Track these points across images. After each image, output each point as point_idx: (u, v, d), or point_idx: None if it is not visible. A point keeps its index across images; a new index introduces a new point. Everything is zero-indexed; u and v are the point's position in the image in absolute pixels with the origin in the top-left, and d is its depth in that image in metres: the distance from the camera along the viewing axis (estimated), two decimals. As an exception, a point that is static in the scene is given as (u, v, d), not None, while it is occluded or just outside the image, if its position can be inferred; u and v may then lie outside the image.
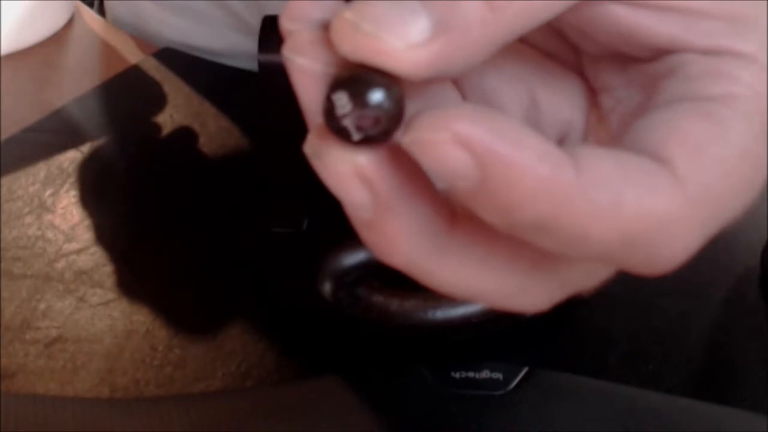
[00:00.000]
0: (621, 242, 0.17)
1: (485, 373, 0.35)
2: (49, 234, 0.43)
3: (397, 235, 0.18)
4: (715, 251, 0.42)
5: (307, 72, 0.18)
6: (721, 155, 0.18)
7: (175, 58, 0.57)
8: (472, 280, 0.19)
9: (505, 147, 0.16)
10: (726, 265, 0.42)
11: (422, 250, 0.18)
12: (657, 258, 0.18)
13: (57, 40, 0.60)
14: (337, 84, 0.17)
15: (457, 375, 0.35)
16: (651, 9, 0.19)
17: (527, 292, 0.19)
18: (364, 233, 0.18)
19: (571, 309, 0.40)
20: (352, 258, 0.38)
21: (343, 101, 0.16)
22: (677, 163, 0.18)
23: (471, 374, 0.35)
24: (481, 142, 0.16)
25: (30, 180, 0.47)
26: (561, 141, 0.22)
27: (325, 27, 0.18)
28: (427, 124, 0.16)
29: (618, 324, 0.39)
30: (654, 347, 0.38)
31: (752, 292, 0.40)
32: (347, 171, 0.17)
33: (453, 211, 0.18)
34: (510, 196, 0.16)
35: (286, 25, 0.18)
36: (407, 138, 0.17)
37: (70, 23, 0.61)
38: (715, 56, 0.19)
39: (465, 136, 0.16)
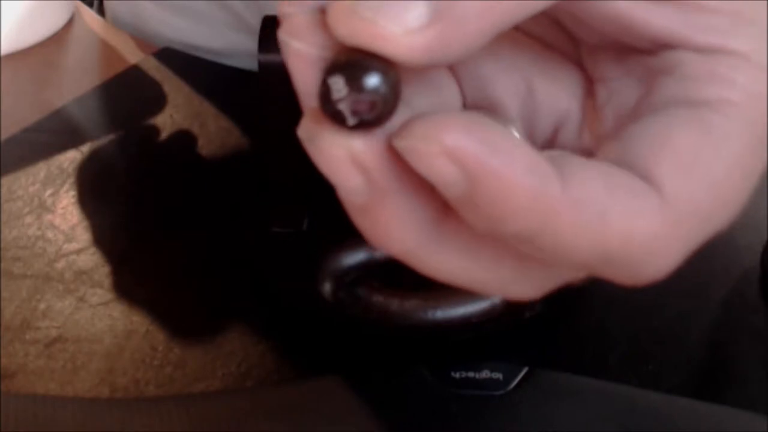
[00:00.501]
0: (603, 257, 0.18)
1: (485, 373, 0.35)
2: (49, 234, 0.43)
3: (391, 221, 0.18)
4: (715, 251, 0.42)
5: (304, 56, 0.18)
6: (710, 170, 0.18)
7: (175, 58, 0.57)
8: (464, 269, 0.19)
9: (494, 160, 0.16)
10: (726, 266, 0.42)
11: (415, 237, 0.18)
12: (639, 272, 0.18)
13: (57, 40, 0.60)
14: (333, 68, 0.17)
15: (457, 375, 0.35)
16: (650, 1, 0.19)
17: (518, 282, 0.20)
18: (357, 219, 0.18)
19: (570, 309, 0.40)
20: (352, 258, 0.38)
21: (339, 85, 0.16)
22: (665, 181, 0.18)
23: (471, 374, 0.35)
24: (470, 155, 0.16)
25: (30, 180, 0.47)
26: (557, 130, 0.22)
27: (323, 11, 0.18)
28: (419, 132, 0.16)
29: (618, 324, 0.39)
30: (654, 347, 0.38)
31: (752, 292, 0.40)
32: (342, 155, 0.17)
33: (446, 202, 0.18)
34: (496, 207, 0.17)
35: (283, 9, 0.18)
36: (400, 143, 0.17)
37: (70, 23, 0.61)
38: (711, 55, 0.19)
39: (455, 149, 0.16)
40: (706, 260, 0.41)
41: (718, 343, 0.38)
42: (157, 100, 0.53)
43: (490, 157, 0.16)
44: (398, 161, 0.17)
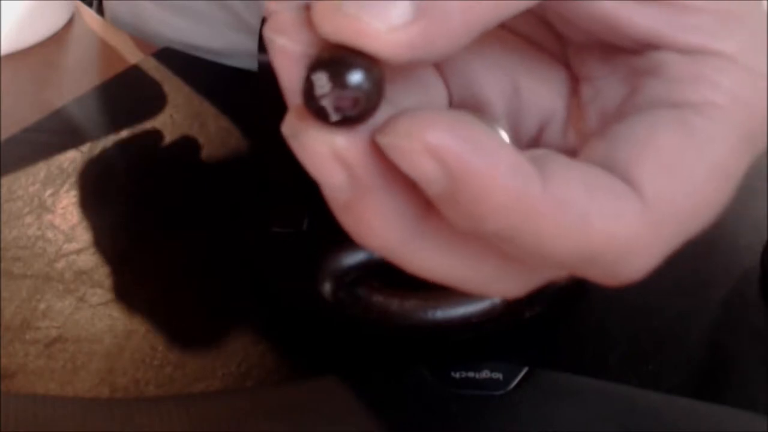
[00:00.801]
0: (583, 257, 0.18)
1: (485, 373, 0.35)
2: (49, 234, 0.43)
3: (374, 218, 0.18)
4: (715, 251, 0.42)
5: (288, 52, 0.18)
6: (693, 173, 0.18)
7: (175, 58, 0.57)
8: (447, 267, 0.19)
9: (476, 159, 0.16)
10: (726, 265, 0.42)
11: (398, 235, 0.18)
12: (619, 272, 0.19)
13: (57, 40, 0.60)
14: (316, 64, 0.17)
15: (457, 375, 0.35)
16: (635, 0, 0.19)
17: (501, 280, 0.20)
18: (341, 215, 0.19)
19: (570, 309, 0.40)
20: (352, 258, 0.38)
21: (322, 81, 0.16)
22: (647, 183, 0.18)
23: (471, 374, 0.35)
24: (452, 154, 0.16)
25: (30, 180, 0.47)
26: (542, 129, 0.22)
27: (308, 8, 0.18)
28: (402, 129, 0.16)
29: (618, 324, 0.39)
30: (654, 347, 0.38)
31: (752, 292, 0.40)
32: (325, 152, 0.17)
33: (429, 199, 0.18)
34: (477, 205, 0.17)
35: (269, 6, 0.18)
36: (383, 140, 0.17)
37: (70, 23, 0.61)
38: (696, 56, 0.19)
39: (437, 147, 0.16)
40: (706, 260, 0.42)
41: (718, 343, 0.38)
42: (157, 100, 0.53)
43: (472, 155, 0.16)
44: (381, 158, 0.17)
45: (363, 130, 0.17)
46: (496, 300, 0.37)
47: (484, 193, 0.16)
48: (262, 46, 0.39)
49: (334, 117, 0.17)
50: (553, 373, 0.35)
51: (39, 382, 0.36)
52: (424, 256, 0.19)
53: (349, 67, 0.16)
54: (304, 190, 0.43)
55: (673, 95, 0.19)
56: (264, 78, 0.39)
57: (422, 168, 0.16)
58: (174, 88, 0.54)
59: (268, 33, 0.18)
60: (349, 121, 0.17)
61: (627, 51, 0.20)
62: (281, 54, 0.18)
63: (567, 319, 0.39)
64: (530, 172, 0.17)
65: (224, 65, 0.57)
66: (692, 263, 0.41)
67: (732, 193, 0.19)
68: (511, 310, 0.37)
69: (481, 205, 0.17)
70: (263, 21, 0.40)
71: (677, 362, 0.37)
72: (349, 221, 0.18)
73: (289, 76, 0.18)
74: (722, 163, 0.19)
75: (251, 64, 0.55)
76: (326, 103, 0.17)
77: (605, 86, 0.21)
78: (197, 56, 0.58)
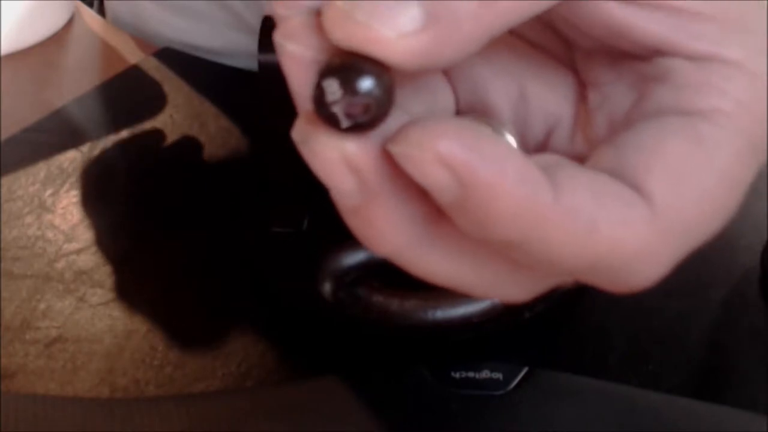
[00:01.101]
0: (591, 265, 0.18)
1: (485, 373, 0.35)
2: (49, 234, 0.43)
3: (383, 223, 0.18)
4: (715, 251, 0.42)
5: (298, 58, 0.18)
6: (701, 181, 0.18)
7: (175, 58, 0.57)
8: (453, 272, 0.19)
9: (486, 168, 0.16)
10: (726, 265, 0.42)
11: (407, 240, 0.18)
12: (627, 280, 0.19)
13: (57, 40, 0.60)
14: (327, 71, 0.17)
15: (457, 375, 0.35)
16: (641, 6, 0.19)
17: (507, 286, 0.20)
18: (350, 220, 0.19)
19: (571, 309, 0.40)
20: (352, 258, 0.38)
21: (333, 88, 0.16)
22: (655, 191, 0.18)
23: (471, 374, 0.35)
24: (463, 163, 0.16)
25: (30, 180, 0.47)
26: (549, 134, 0.22)
27: (318, 14, 0.18)
28: (413, 138, 0.17)
29: (618, 324, 0.39)
30: (654, 347, 0.38)
31: (752, 292, 0.40)
32: (335, 158, 0.17)
33: (437, 205, 0.18)
34: (487, 214, 0.17)
35: (279, 10, 0.18)
36: (394, 149, 0.17)
37: (70, 23, 0.61)
38: (704, 63, 0.19)
39: (447, 157, 0.16)
40: (706, 260, 0.42)
41: (718, 343, 0.38)
42: (157, 100, 0.53)
43: (480, 164, 0.16)
44: (391, 164, 0.17)
45: (373, 136, 0.17)
46: (497, 300, 0.37)
47: (493, 200, 0.17)
48: (262, 46, 0.39)
49: (345, 123, 0.17)
50: (553, 373, 0.35)
51: (39, 382, 0.36)
52: (432, 260, 0.19)
53: (360, 73, 0.16)
54: (304, 190, 0.43)
55: (680, 102, 0.19)
56: (264, 78, 0.39)
57: (433, 177, 0.17)
58: (174, 88, 0.54)
59: (278, 38, 0.18)
60: (359, 127, 0.17)
61: (634, 57, 0.20)
62: (291, 59, 0.18)
63: (567, 319, 0.39)
64: (538, 179, 0.17)
65: (224, 65, 0.57)
66: (692, 263, 0.41)
67: (739, 200, 0.19)
68: (511, 310, 0.37)
69: (490, 212, 0.17)
70: (264, 20, 0.40)
71: (677, 362, 0.37)
72: (357, 225, 0.19)
73: (299, 81, 0.18)
74: (730, 169, 0.19)
75: (251, 64, 0.55)
76: (337, 110, 0.17)
77: (613, 92, 0.21)
78: (197, 56, 0.58)
